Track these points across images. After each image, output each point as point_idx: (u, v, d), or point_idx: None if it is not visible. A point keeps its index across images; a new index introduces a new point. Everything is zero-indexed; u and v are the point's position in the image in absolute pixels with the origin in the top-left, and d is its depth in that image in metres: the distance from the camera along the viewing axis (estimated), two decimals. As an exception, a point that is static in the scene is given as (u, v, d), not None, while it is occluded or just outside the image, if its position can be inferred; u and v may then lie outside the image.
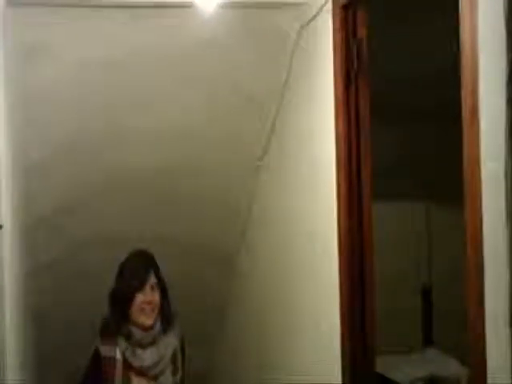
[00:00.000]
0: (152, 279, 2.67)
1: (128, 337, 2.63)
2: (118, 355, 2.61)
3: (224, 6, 2.67)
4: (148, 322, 2.64)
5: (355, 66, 2.48)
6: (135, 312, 2.63)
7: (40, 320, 3.62)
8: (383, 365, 3.14)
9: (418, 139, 3.95)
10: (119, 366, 2.60)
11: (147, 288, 2.65)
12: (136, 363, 2.62)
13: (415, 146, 3.96)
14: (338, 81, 2.52)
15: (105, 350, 2.61)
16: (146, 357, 2.64)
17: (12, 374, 2.49)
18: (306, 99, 2.91)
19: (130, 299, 2.63)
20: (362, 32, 2.50)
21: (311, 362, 2.87)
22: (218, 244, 3.82)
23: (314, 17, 2.74)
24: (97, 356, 2.63)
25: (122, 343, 2.62)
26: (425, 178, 3.99)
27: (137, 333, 2.63)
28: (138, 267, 2.70)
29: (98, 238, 3.66)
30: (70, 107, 3.08)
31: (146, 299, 2.64)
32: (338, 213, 2.53)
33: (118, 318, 2.65)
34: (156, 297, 2.68)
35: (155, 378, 2.66)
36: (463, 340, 1.75)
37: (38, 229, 3.42)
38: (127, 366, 2.62)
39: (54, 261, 3.61)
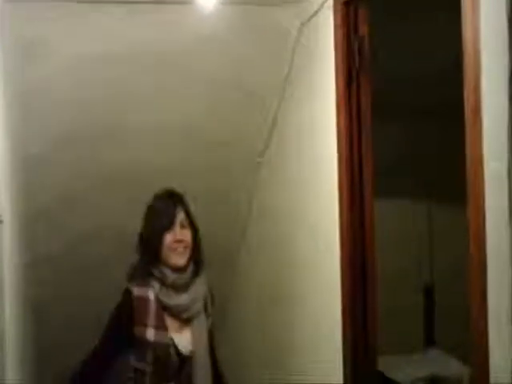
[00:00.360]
0: (182, 217, 2.53)
1: (161, 279, 2.48)
2: (152, 296, 2.46)
3: (224, 3, 2.67)
4: (181, 261, 2.49)
5: (357, 63, 2.47)
6: (167, 252, 2.48)
7: (39, 312, 3.61)
8: (384, 364, 3.14)
9: (420, 138, 3.93)
10: (152, 306, 2.46)
11: (177, 226, 2.50)
12: (169, 305, 2.48)
13: (417, 145, 3.95)
14: (339, 78, 2.51)
15: (137, 291, 2.47)
16: (180, 299, 2.49)
17: (11, 364, 2.49)
18: (308, 96, 2.90)
19: (159, 239, 2.48)
20: (363, 29, 2.49)
21: (312, 361, 2.87)
22: (218, 241, 3.80)
23: (315, 13, 2.73)
24: (128, 295, 2.47)
25: (155, 285, 2.47)
26: (426, 176, 3.98)
27: (170, 274, 2.47)
28: (166, 205, 2.54)
29: (97, 231, 3.65)
30: (69, 101, 3.07)
31: (177, 238, 2.49)
32: (340, 209, 2.52)
33: (149, 260, 2.50)
34: (187, 236, 2.52)
35: (188, 320, 2.51)
36: (465, 339, 1.75)
37: (37, 221, 3.41)
38: (160, 307, 2.47)
39: (53, 253, 3.60)
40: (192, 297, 2.51)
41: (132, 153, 3.37)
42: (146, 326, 2.45)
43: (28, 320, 3.44)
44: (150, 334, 2.44)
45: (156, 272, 2.49)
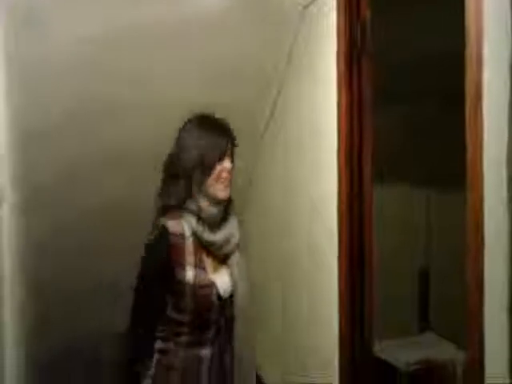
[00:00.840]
0: (231, 149, 2.30)
1: (197, 212, 2.24)
2: (188, 232, 2.22)
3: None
4: (224, 194, 2.26)
5: (358, 46, 2.47)
6: (213, 183, 2.25)
7: (40, 290, 3.63)
8: (380, 348, 3.16)
9: (421, 123, 3.93)
10: (190, 243, 2.21)
11: (227, 157, 2.27)
12: (208, 241, 2.24)
13: (418, 130, 3.95)
14: (340, 61, 2.51)
15: (173, 226, 2.20)
16: (217, 235, 2.26)
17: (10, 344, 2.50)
18: (309, 79, 2.90)
19: (210, 169, 2.23)
20: (365, 13, 2.48)
21: (309, 346, 2.88)
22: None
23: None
24: (165, 232, 2.19)
25: (191, 219, 2.23)
26: (426, 162, 3.98)
27: (207, 208, 2.24)
28: (219, 133, 2.28)
29: (98, 208, 3.66)
30: (69, 79, 3.06)
31: (228, 169, 2.26)
32: (339, 193, 2.53)
33: (188, 191, 2.24)
34: (231, 169, 2.30)
35: (226, 257, 2.29)
36: (460, 323, 1.76)
37: (38, 199, 3.41)
38: (198, 244, 2.22)
39: (53, 231, 3.60)
40: (229, 232, 2.29)
41: (132, 129, 3.37)
42: (184, 266, 2.20)
43: (28, 302, 3.45)
44: (190, 275, 2.19)
45: (192, 205, 2.24)
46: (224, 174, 2.24)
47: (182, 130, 2.34)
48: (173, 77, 3.19)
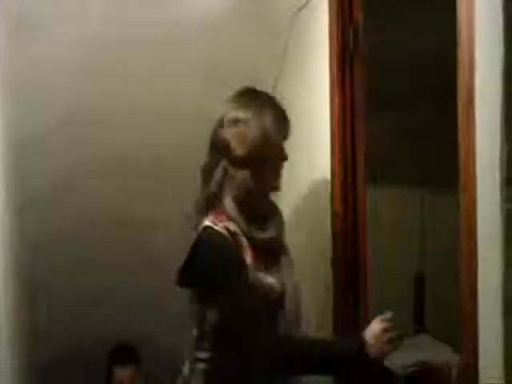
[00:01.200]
0: None
1: (250, 207, 2.00)
2: (238, 230, 1.96)
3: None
4: (280, 184, 2.03)
5: (351, 49, 2.46)
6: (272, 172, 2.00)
7: (37, 297, 3.62)
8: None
9: (415, 126, 3.93)
10: (244, 242, 1.96)
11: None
12: (260, 239, 2.00)
13: (412, 133, 3.95)
14: (333, 64, 2.50)
15: (223, 227, 1.93)
16: (267, 232, 2.03)
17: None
18: (301, 83, 2.89)
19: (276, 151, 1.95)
20: (357, 16, 2.48)
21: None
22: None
23: (310, -1, 2.72)
24: (218, 233, 1.92)
25: (238, 217, 1.97)
26: (420, 164, 3.98)
27: (261, 201, 2.02)
28: (282, 111, 2.00)
29: (92, 216, 3.65)
30: (63, 85, 3.06)
31: (286, 157, 2.00)
32: (333, 196, 2.52)
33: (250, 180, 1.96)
34: None
35: (276, 257, 2.07)
36: (456, 326, 1.75)
37: (31, 207, 3.40)
38: (251, 243, 1.98)
39: (47, 239, 3.59)
40: (279, 228, 2.10)
41: (126, 136, 3.37)
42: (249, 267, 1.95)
43: (23, 307, 3.43)
44: (258, 276, 1.96)
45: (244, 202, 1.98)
46: (283, 161, 2.04)
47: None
48: (167, 81, 3.19)
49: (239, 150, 1.94)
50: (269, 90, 3.18)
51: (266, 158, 1.95)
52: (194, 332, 2.04)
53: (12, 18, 2.73)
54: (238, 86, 3.20)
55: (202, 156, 3.50)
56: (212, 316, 1.96)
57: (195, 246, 1.95)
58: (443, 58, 2.28)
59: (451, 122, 1.82)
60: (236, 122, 1.97)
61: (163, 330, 3.87)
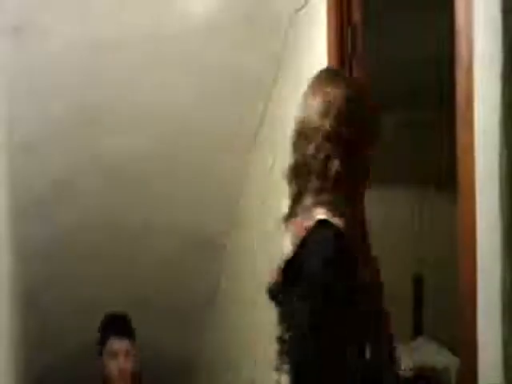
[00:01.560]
0: None
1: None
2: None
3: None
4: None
5: (349, 50, 2.46)
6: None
7: (32, 302, 3.61)
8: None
9: (414, 127, 3.93)
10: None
11: None
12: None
13: (411, 135, 3.95)
14: (331, 63, 2.50)
15: (336, 221, 1.71)
16: None
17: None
18: (299, 84, 2.88)
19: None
20: (356, 16, 2.47)
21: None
22: (207, 228, 3.79)
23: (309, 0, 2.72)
24: (332, 227, 1.69)
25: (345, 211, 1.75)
26: (420, 165, 3.97)
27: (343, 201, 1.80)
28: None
29: (91, 219, 3.65)
30: (60, 86, 3.05)
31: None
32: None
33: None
34: None
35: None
36: (454, 328, 1.74)
37: (31, 209, 3.40)
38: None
39: (46, 242, 3.59)
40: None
41: (125, 139, 3.36)
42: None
43: (21, 313, 3.42)
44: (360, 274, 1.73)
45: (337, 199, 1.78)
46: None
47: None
48: (165, 83, 3.18)
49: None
50: (268, 90, 3.20)
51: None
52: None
53: (7, 21, 2.73)
54: (238, 86, 3.21)
55: (202, 156, 3.51)
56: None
57: (314, 241, 1.70)
58: (442, 59, 2.28)
59: (451, 122, 1.81)
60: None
61: (162, 332, 3.88)
